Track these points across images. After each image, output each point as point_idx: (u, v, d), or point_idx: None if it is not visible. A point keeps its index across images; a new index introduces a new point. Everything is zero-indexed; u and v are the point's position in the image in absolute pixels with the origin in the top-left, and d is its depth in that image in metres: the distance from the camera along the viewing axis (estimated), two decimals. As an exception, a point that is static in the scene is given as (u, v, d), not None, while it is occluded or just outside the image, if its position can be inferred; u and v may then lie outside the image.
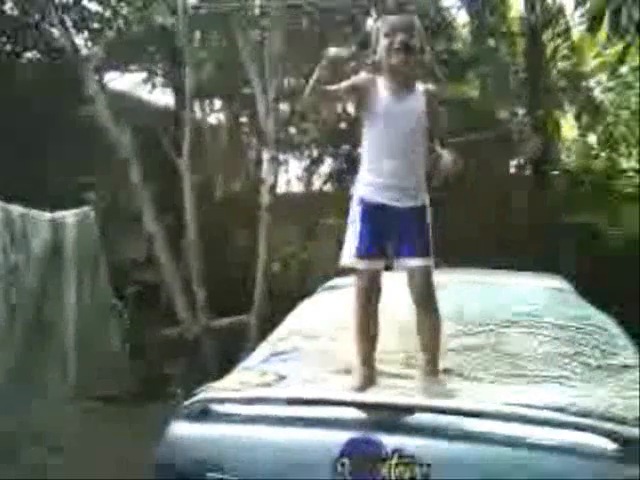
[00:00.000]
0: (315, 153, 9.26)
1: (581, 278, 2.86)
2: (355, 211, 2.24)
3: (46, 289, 3.51)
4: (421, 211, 2.21)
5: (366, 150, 2.28)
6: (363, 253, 2.17)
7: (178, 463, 1.91)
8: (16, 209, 3.25)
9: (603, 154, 9.14)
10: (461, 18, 7.01)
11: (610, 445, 1.62)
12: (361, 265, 2.18)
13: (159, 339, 5.59)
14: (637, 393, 1.95)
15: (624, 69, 9.89)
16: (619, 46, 6.42)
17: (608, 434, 1.62)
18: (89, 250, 3.88)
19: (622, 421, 1.73)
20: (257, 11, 5.82)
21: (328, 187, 9.53)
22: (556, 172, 8.55)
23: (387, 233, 2.19)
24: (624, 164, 9.53)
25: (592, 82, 9.56)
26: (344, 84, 2.22)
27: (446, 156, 2.21)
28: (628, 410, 1.82)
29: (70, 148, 6.58)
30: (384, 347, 2.28)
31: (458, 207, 6.21)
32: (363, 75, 2.26)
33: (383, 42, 2.18)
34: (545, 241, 6.66)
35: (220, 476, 1.81)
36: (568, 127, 9.22)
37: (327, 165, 9.54)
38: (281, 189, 9.93)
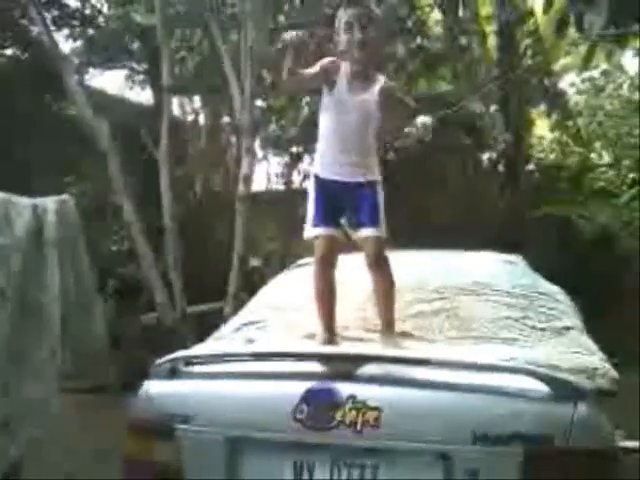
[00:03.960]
0: (294, 149, 9.40)
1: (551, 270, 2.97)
2: (311, 187, 2.42)
3: (29, 272, 3.55)
4: (371, 185, 2.36)
5: (321, 130, 2.43)
6: (317, 223, 2.34)
7: (150, 418, 2.03)
8: (-4, 194, 3.31)
9: (574, 150, 9.42)
10: (434, 16, 7.21)
11: (545, 388, 1.77)
12: (315, 233, 2.35)
13: (138, 327, 5.68)
14: (573, 349, 2.12)
15: (595, 73, 10.27)
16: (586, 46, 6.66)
17: (543, 378, 1.78)
18: (70, 234, 3.93)
19: (557, 369, 1.89)
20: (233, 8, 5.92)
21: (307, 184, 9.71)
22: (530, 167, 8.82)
23: (340, 206, 2.37)
24: (595, 160, 9.84)
25: (565, 83, 9.87)
26: (315, 68, 2.36)
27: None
28: (564, 361, 1.99)
29: (50, 143, 6.67)
30: (348, 317, 2.45)
31: (428, 200, 6.38)
32: (331, 58, 2.40)
33: (343, 37, 2.33)
34: (517, 235, 6.88)
35: (189, 427, 1.94)
36: (541, 124, 9.49)
37: (306, 162, 9.70)
38: (261, 186, 10.09)
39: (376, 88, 2.36)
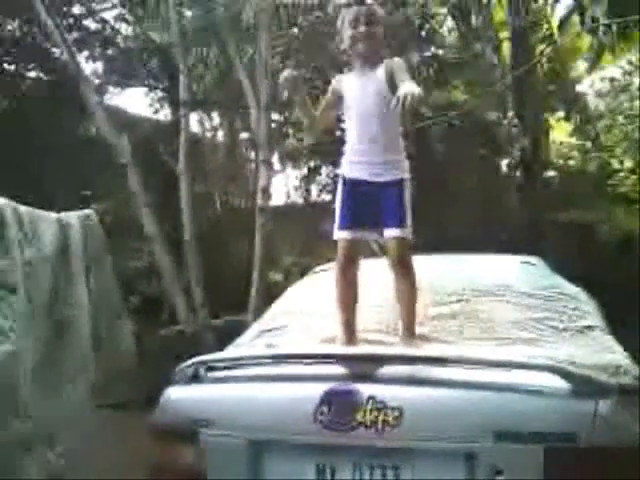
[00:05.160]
0: (312, 163, 9.46)
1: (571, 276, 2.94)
2: (339, 189, 2.44)
3: (58, 288, 3.58)
4: (398, 184, 2.33)
5: (347, 133, 2.46)
6: (341, 225, 2.35)
7: (173, 423, 2.06)
8: (23, 207, 3.36)
9: (595, 155, 9.30)
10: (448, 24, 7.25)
11: (567, 385, 1.76)
12: (339, 235, 2.35)
13: (160, 343, 5.72)
14: (596, 348, 2.10)
15: (617, 73, 10.09)
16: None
17: (565, 375, 1.76)
18: (95, 249, 3.99)
19: (579, 366, 1.87)
20: (249, 21, 6.02)
21: (325, 196, 9.74)
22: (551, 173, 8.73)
23: (366, 206, 2.34)
24: (616, 165, 9.70)
25: (585, 85, 9.73)
26: (327, 96, 2.48)
27: (406, 83, 2.17)
28: (585, 359, 1.97)
29: (71, 161, 6.81)
30: (369, 320, 2.45)
31: (448, 206, 6.37)
32: (335, 80, 2.50)
33: (348, 32, 2.37)
34: (537, 241, 6.82)
35: (212, 431, 1.96)
36: (560, 129, 9.41)
37: (324, 174, 9.74)
38: (280, 200, 10.15)
39: (381, 69, 2.36)
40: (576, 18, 6.07)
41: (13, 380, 2.95)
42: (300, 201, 10.12)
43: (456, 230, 6.49)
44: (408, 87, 2.11)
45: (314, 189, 9.98)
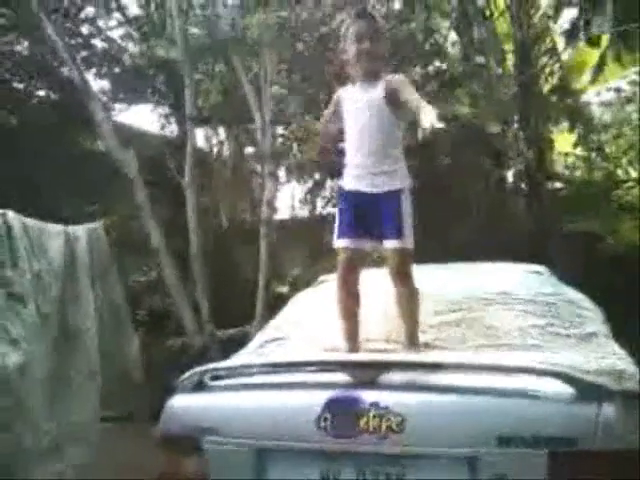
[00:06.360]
0: (317, 176, 9.50)
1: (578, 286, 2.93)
2: (339, 199, 2.46)
3: (65, 299, 3.63)
4: (396, 195, 2.35)
5: (346, 145, 2.49)
6: (342, 235, 2.37)
7: (177, 431, 2.07)
8: (30, 220, 3.41)
9: (600, 166, 9.29)
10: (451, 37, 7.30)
11: (569, 390, 1.76)
12: (339, 244, 2.37)
13: (166, 356, 5.74)
14: (599, 354, 2.10)
15: (623, 84, 10.09)
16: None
17: (567, 380, 1.77)
18: (101, 261, 4.04)
19: (582, 371, 1.87)
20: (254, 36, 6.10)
21: (330, 209, 9.77)
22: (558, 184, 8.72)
23: (365, 217, 2.37)
24: (621, 175, 9.68)
25: (590, 95, 9.73)
26: (329, 109, 2.55)
27: (425, 109, 2.18)
28: (589, 365, 1.97)
29: (80, 176, 6.88)
30: (371, 329, 2.46)
31: (452, 217, 6.37)
32: (336, 93, 2.56)
33: (352, 48, 2.41)
34: (542, 252, 6.80)
35: (216, 439, 1.97)
36: (563, 140, 9.40)
37: (328, 187, 9.78)
38: (286, 214, 10.19)
39: (381, 85, 2.40)
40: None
41: (24, 390, 2.98)
42: (305, 214, 10.15)
43: (460, 241, 6.49)
44: (429, 114, 2.11)
45: (319, 202, 10.02)
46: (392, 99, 2.35)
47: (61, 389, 3.48)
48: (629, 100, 10.18)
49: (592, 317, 2.46)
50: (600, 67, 5.98)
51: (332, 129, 2.61)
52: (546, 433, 1.68)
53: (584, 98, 9.08)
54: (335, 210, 2.52)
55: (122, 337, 4.35)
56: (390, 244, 2.32)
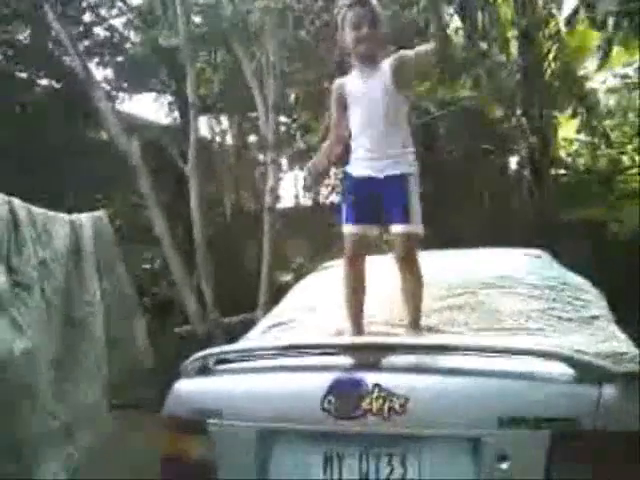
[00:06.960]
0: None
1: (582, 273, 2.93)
2: (345, 184, 2.46)
3: (71, 287, 3.64)
4: (402, 179, 2.34)
5: (352, 130, 2.49)
6: (347, 220, 2.38)
7: (182, 414, 2.09)
8: (36, 209, 3.43)
9: (604, 152, 9.25)
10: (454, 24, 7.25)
11: (570, 371, 1.78)
12: (346, 230, 2.38)
13: (172, 343, 5.77)
14: (600, 337, 2.11)
15: (630, 70, 10.00)
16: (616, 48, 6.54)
17: (568, 361, 1.78)
18: (106, 249, 4.06)
19: (583, 354, 1.89)
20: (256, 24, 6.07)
21: (334, 197, 9.76)
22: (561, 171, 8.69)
23: (372, 202, 2.36)
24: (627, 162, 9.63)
25: (596, 82, 9.66)
26: (335, 107, 2.52)
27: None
28: (590, 347, 1.98)
29: (83, 165, 6.90)
30: (375, 313, 2.47)
31: (456, 204, 6.37)
32: (335, 86, 2.53)
33: (350, 34, 2.40)
34: (547, 239, 6.79)
35: (220, 422, 2.00)
36: (568, 126, 9.35)
37: (332, 176, 9.78)
38: (290, 202, 10.19)
39: (385, 65, 2.38)
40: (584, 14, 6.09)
41: (31, 376, 3.01)
42: (309, 203, 10.15)
43: (463, 228, 6.50)
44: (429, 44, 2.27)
45: (323, 190, 10.02)
46: (399, 74, 2.34)
47: (68, 374, 3.51)
48: (635, 86, 10.09)
49: (593, 300, 2.47)
50: (606, 53, 5.91)
51: (345, 125, 2.54)
52: (548, 414, 1.70)
53: (590, 85, 9.02)
54: (339, 198, 2.53)
55: (130, 324, 4.36)
56: (397, 229, 2.33)
